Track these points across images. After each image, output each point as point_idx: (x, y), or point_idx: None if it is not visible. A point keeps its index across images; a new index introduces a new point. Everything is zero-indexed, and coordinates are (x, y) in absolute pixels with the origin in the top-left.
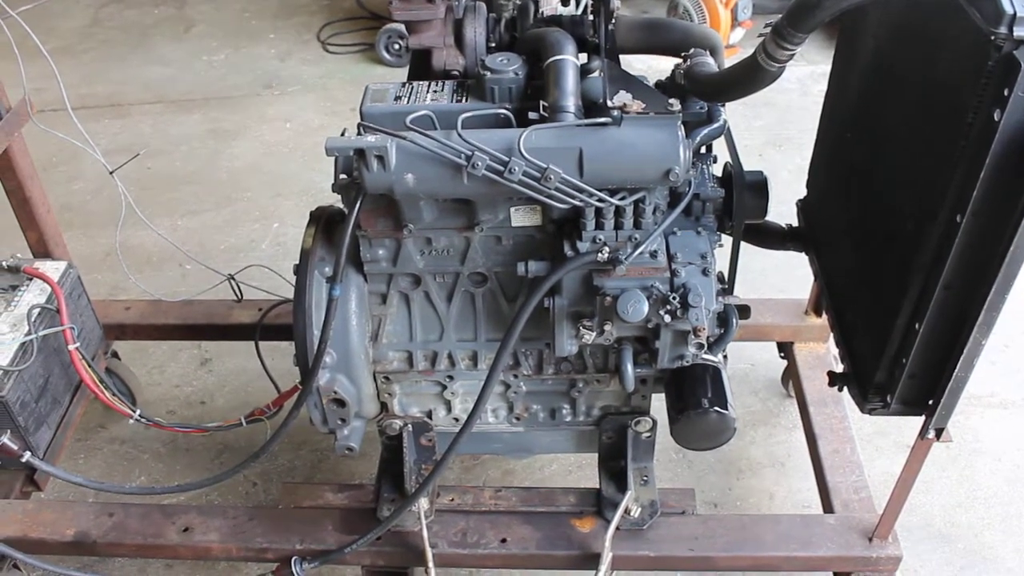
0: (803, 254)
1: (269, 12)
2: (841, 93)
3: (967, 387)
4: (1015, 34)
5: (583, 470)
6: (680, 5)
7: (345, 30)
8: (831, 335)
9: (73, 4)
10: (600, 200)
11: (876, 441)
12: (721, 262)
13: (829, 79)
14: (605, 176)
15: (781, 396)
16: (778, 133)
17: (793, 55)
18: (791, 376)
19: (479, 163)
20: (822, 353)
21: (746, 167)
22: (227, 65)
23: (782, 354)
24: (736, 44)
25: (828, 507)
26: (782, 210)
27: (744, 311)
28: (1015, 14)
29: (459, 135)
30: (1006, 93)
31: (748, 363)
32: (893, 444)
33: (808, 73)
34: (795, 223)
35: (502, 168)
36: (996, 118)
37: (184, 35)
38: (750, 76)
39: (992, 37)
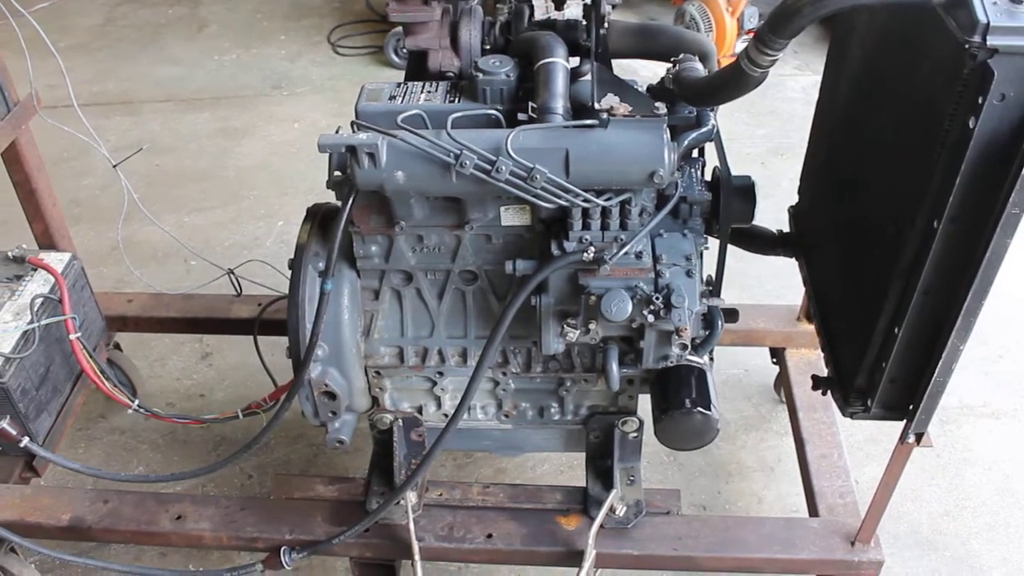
0: (794, 260)
1: (281, 14)
2: (831, 101)
3: (960, 396)
4: (988, 43)
5: (574, 470)
6: (687, 13)
7: (355, 32)
8: None
9: (88, 3)
10: (586, 200)
11: (867, 448)
12: (712, 266)
13: (820, 87)
14: (591, 177)
15: (774, 402)
16: (781, 142)
17: (775, 60)
18: (783, 382)
19: (467, 162)
20: (814, 359)
21: (749, 175)
22: (238, 65)
23: (774, 360)
24: None
25: (813, 511)
26: (782, 217)
27: (731, 314)
28: (988, 23)
29: (448, 134)
30: (980, 101)
31: (742, 368)
32: (884, 451)
33: (812, 82)
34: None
35: (489, 167)
36: (971, 126)
37: (196, 35)
38: (734, 81)
39: (967, 46)
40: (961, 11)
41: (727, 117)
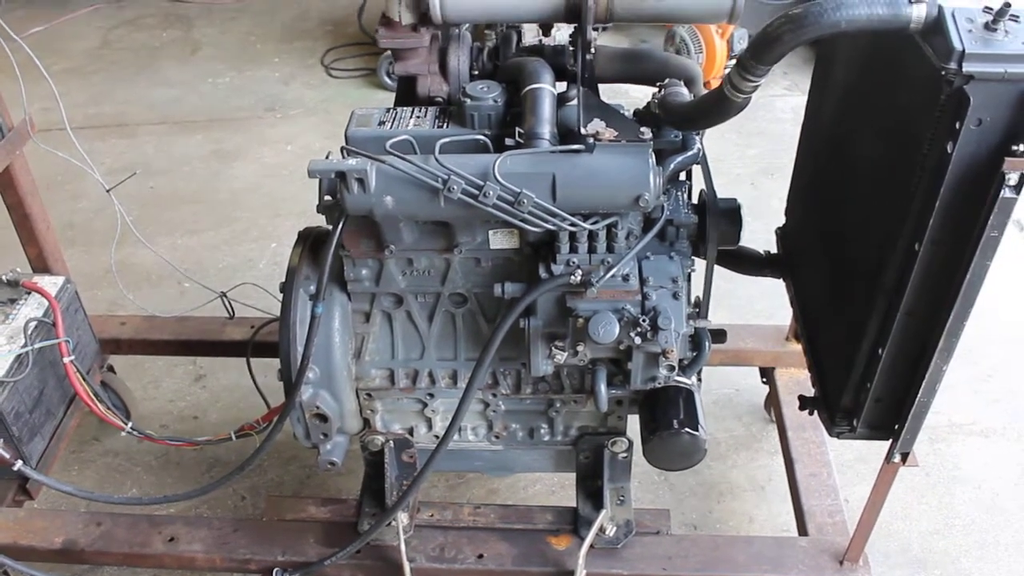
0: (781, 280)
1: (274, 36)
2: (816, 122)
3: (950, 415)
4: (964, 70)
5: (566, 490)
6: (677, 35)
7: (348, 55)
8: None
9: (84, 26)
10: (573, 224)
11: (857, 467)
12: (700, 288)
13: (806, 109)
14: (577, 201)
15: (764, 421)
16: (771, 162)
17: (758, 86)
18: (772, 401)
19: (455, 187)
20: (803, 379)
21: (737, 196)
22: (231, 88)
23: (764, 379)
24: None
25: (803, 530)
26: (772, 238)
27: (719, 335)
28: (964, 50)
29: (436, 159)
30: (957, 126)
31: (733, 388)
32: (873, 470)
33: (802, 103)
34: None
35: (477, 192)
36: (949, 150)
37: (190, 57)
38: (717, 106)
39: (943, 72)
40: (937, 38)
41: (717, 138)
